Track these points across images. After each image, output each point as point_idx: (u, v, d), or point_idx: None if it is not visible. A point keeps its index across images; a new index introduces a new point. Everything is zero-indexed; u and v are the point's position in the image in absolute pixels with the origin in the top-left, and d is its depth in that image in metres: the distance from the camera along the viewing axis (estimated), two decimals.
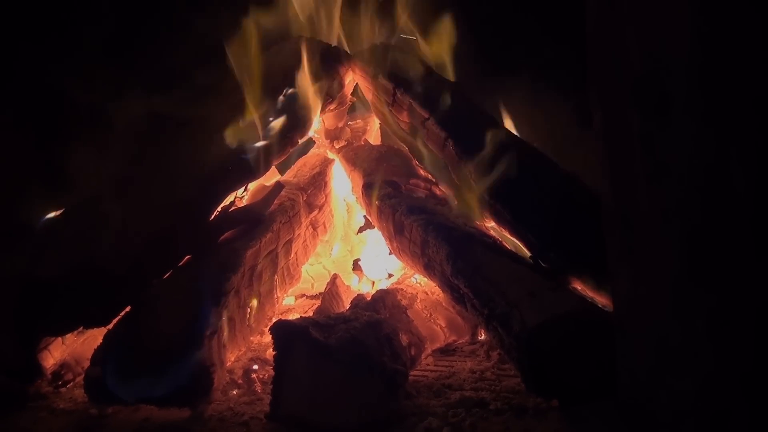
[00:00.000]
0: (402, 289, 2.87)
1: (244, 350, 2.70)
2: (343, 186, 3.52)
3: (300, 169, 3.44)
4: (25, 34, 3.67)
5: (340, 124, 3.57)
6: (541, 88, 3.58)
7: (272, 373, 2.20)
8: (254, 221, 2.85)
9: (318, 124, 3.50)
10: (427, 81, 3.08)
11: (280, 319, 2.29)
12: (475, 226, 2.80)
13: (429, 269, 2.71)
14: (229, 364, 2.53)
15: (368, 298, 2.71)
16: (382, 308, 2.60)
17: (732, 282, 1.64)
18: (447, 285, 2.61)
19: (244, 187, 3.05)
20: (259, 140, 2.93)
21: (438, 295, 2.83)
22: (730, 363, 1.66)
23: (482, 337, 2.77)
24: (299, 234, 3.13)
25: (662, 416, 1.81)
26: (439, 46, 3.24)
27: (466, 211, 2.85)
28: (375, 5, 3.36)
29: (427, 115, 2.99)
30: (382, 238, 3.12)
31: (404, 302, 2.75)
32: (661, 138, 1.69)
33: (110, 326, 2.43)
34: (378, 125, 3.69)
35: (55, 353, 2.55)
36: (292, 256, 3.07)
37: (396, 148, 3.47)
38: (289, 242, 3.04)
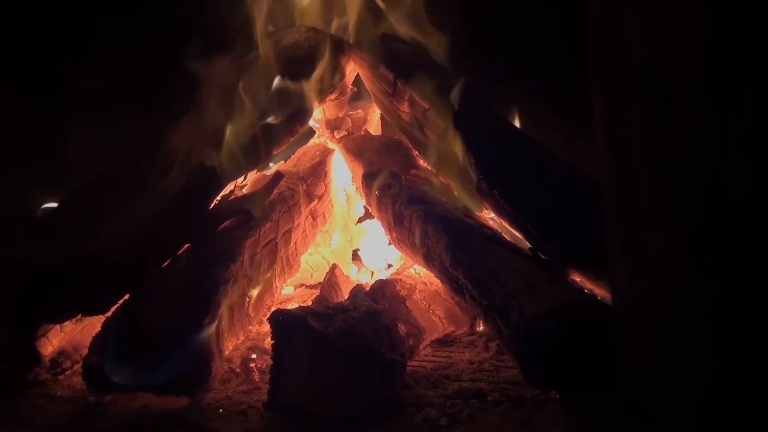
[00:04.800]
0: (401, 280, 2.87)
1: (243, 339, 2.70)
2: (343, 176, 3.52)
3: (300, 159, 3.44)
4: (26, 20, 3.66)
5: (341, 114, 3.56)
6: (541, 78, 3.58)
7: (270, 362, 2.20)
8: (254, 210, 2.84)
9: (318, 113, 3.49)
10: (429, 72, 3.07)
11: (279, 309, 2.29)
12: (474, 217, 2.80)
13: (428, 260, 2.71)
14: (227, 353, 2.53)
15: (367, 288, 2.71)
16: (381, 298, 2.60)
17: (732, 275, 1.64)
18: (446, 276, 2.61)
19: (243, 176, 3.04)
20: (259, 129, 2.92)
21: (437, 285, 2.83)
22: (730, 356, 1.66)
23: (481, 328, 2.77)
24: (299, 224, 3.13)
25: (661, 408, 1.81)
26: (441, 38, 3.22)
27: (466, 202, 2.85)
28: None
29: (427, 106, 2.98)
30: (382, 229, 3.12)
31: (403, 293, 2.75)
32: (663, 130, 1.68)
33: (109, 314, 2.43)
34: (379, 115, 3.69)
35: (54, 341, 2.55)
36: (292, 245, 3.07)
37: (396, 138, 3.46)
38: (289, 232, 3.03)
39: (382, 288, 2.68)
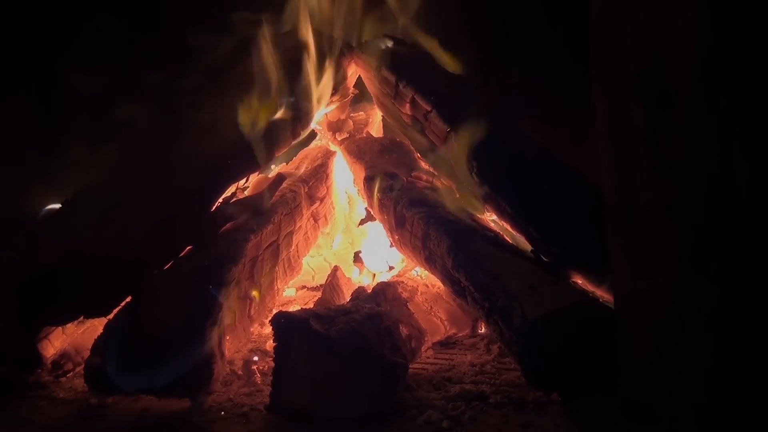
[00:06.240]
0: (403, 282, 2.87)
1: (245, 341, 2.70)
2: (344, 178, 3.52)
3: (301, 161, 3.44)
4: (28, 25, 3.67)
5: (343, 116, 3.56)
6: (544, 81, 3.58)
7: (272, 364, 2.20)
8: (255, 212, 2.85)
9: (320, 115, 3.49)
10: (430, 74, 3.07)
11: (281, 311, 2.29)
12: (476, 219, 2.80)
13: (430, 262, 2.71)
14: (229, 355, 2.53)
15: (369, 291, 2.71)
16: (383, 300, 2.60)
17: (734, 277, 1.63)
18: (448, 278, 2.61)
19: (245, 179, 3.05)
20: (261, 131, 2.93)
21: (438, 287, 2.83)
22: (731, 358, 1.66)
23: (482, 330, 2.78)
24: (300, 226, 3.13)
25: (662, 410, 1.81)
26: (445, 41, 3.22)
27: (468, 204, 2.85)
28: None
29: (429, 108, 2.98)
30: (383, 231, 3.12)
31: (405, 295, 2.75)
32: (665, 132, 1.68)
33: (111, 316, 2.43)
34: (380, 117, 3.69)
35: (56, 343, 2.55)
36: (293, 247, 3.07)
37: (398, 140, 3.46)
38: (291, 234, 3.03)
39: (383, 290, 2.68)
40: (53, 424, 2.26)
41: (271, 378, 2.20)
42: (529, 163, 2.72)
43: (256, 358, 2.60)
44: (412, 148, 3.33)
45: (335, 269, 3.03)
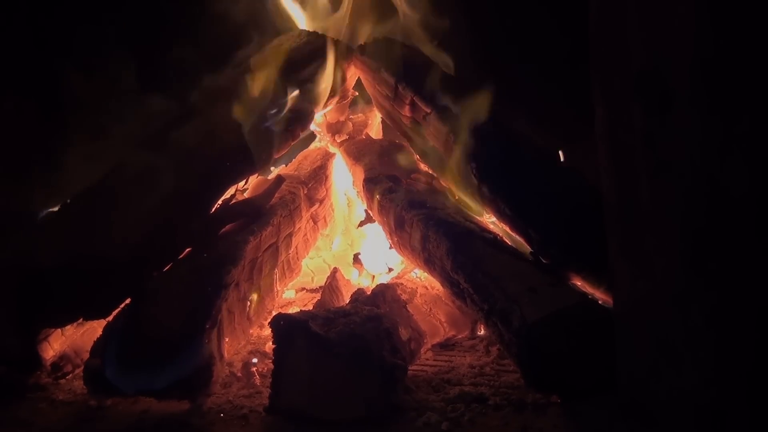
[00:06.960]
0: (402, 284, 2.87)
1: (244, 343, 2.70)
2: (344, 180, 3.52)
3: (301, 163, 3.44)
4: (27, 23, 3.67)
5: (342, 118, 3.56)
6: (543, 83, 3.58)
7: (271, 366, 2.20)
8: (255, 214, 2.85)
9: (320, 117, 3.49)
10: (430, 75, 3.07)
11: (280, 313, 2.29)
12: (475, 221, 2.80)
13: (429, 264, 2.71)
14: (228, 357, 2.53)
15: (368, 293, 2.71)
16: (382, 302, 2.60)
17: (733, 278, 1.64)
18: (447, 280, 2.61)
19: (245, 180, 3.04)
20: (260, 133, 2.93)
21: (438, 289, 2.83)
22: (730, 359, 1.66)
23: (482, 332, 2.77)
24: (300, 227, 3.13)
25: (662, 412, 1.81)
26: (444, 43, 3.22)
27: (467, 206, 2.85)
28: None
29: (428, 110, 2.99)
30: (383, 233, 3.12)
31: (404, 297, 2.75)
32: (664, 134, 1.69)
33: (110, 318, 2.43)
34: (379, 119, 3.69)
35: (55, 344, 2.54)
36: (293, 249, 3.07)
37: (397, 142, 3.46)
38: (290, 236, 3.03)
39: (383, 292, 2.68)
40: (52, 425, 2.25)
41: (270, 380, 2.20)
42: (529, 164, 2.72)
43: (255, 360, 2.60)
44: (411, 149, 3.33)
45: (334, 271, 3.03)
